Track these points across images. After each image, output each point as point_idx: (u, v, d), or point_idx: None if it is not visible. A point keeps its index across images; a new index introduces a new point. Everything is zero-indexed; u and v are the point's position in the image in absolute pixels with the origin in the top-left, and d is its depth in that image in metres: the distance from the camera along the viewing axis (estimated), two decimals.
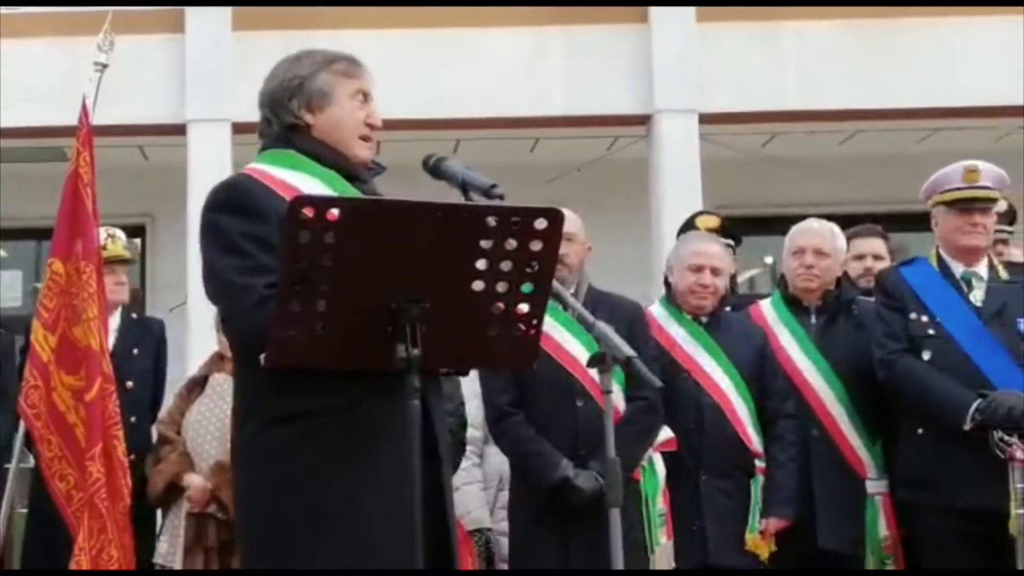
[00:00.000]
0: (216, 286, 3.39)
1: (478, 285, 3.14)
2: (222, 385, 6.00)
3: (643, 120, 9.84)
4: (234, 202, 3.38)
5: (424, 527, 3.24)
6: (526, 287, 3.17)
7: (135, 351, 6.35)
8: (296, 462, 3.27)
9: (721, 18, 9.71)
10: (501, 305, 3.18)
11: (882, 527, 5.32)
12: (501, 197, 3.35)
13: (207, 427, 5.92)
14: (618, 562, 3.42)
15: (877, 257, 6.13)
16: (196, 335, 8.39)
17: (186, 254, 9.02)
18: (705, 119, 9.70)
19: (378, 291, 3.08)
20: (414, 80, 9.55)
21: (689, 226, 6.25)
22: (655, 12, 9.76)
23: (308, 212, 3.00)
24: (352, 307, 3.09)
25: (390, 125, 10.03)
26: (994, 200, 5.27)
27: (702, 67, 9.67)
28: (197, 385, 6.09)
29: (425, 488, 3.28)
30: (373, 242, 3.05)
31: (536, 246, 3.13)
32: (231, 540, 5.81)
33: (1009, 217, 5.81)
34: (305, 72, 3.55)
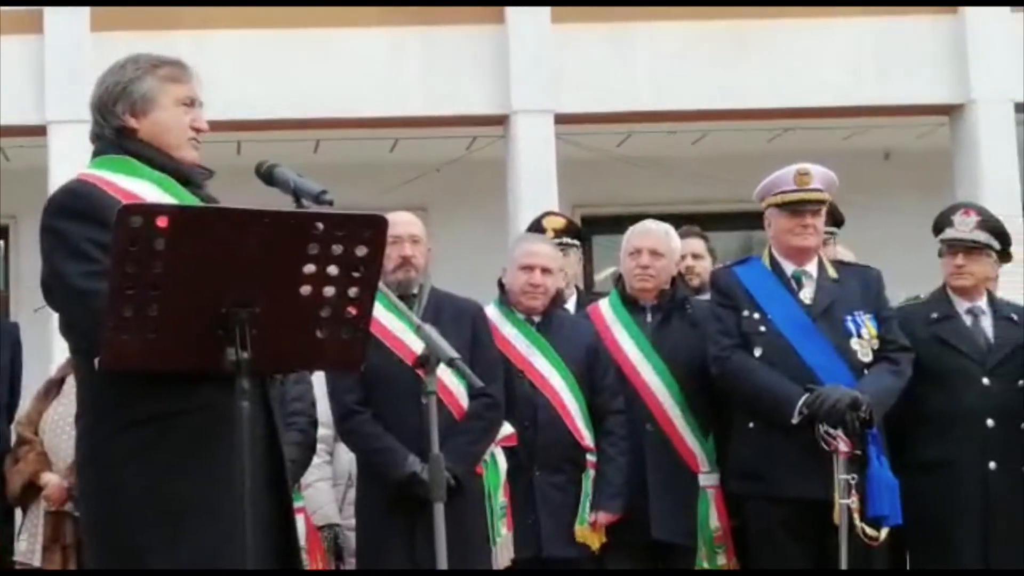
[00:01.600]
0: (62, 292, 3.44)
1: (306, 289, 3.23)
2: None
3: (500, 120, 9.94)
4: (78, 208, 3.43)
5: (270, 524, 3.40)
6: (353, 291, 3.27)
7: None
8: (151, 464, 3.35)
9: (576, 19, 9.84)
10: (328, 308, 3.27)
11: (713, 518, 5.47)
12: (330, 203, 3.42)
13: (64, 427, 5.88)
14: (442, 555, 3.56)
15: (696, 256, 6.32)
16: (59, 336, 8.32)
17: None
18: (561, 119, 9.82)
19: (208, 296, 3.17)
20: (274, 80, 9.57)
21: (537, 226, 6.38)
22: (511, 13, 9.86)
23: (137, 220, 3.07)
24: (183, 312, 3.17)
25: (249, 125, 10.04)
26: (824, 202, 5.46)
27: (558, 68, 9.80)
28: (54, 386, 6.12)
29: (269, 485, 3.43)
30: (202, 248, 3.14)
31: (362, 251, 3.24)
32: None
33: (835, 218, 6.01)
34: (129, 77, 3.61)
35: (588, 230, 9.94)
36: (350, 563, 5.59)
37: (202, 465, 3.34)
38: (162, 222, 3.09)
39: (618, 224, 9.85)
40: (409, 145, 10.55)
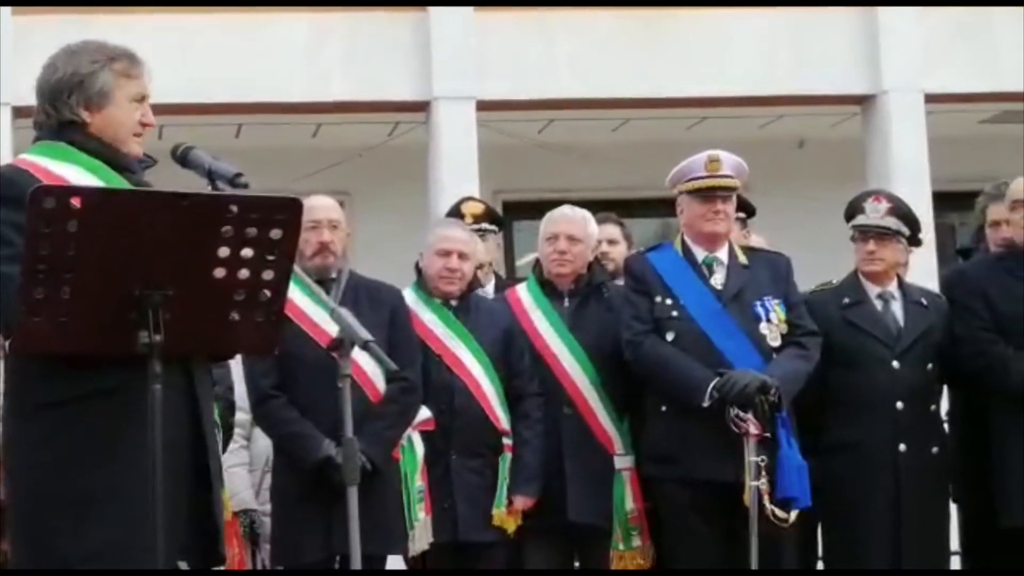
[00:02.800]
0: None
1: (220, 272, 3.24)
2: None
3: (422, 107, 9.97)
4: (2, 193, 3.39)
5: (190, 508, 3.41)
6: (267, 274, 3.28)
7: None
8: (64, 447, 3.34)
9: (497, 6, 9.89)
10: (243, 292, 3.28)
11: (628, 500, 5.51)
12: (245, 186, 3.43)
13: None
14: (355, 540, 3.56)
15: (612, 242, 6.36)
16: None
17: None
18: (482, 106, 9.86)
19: (121, 279, 3.17)
20: (196, 64, 9.52)
21: (455, 212, 6.42)
22: None
23: (50, 201, 3.07)
24: (96, 294, 3.17)
25: (171, 110, 9.98)
26: (734, 188, 5.53)
27: (479, 55, 9.84)
28: None
29: (193, 469, 3.44)
30: (115, 230, 3.14)
31: (276, 234, 3.24)
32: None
33: (745, 207, 6.10)
34: (86, 70, 3.56)
35: (509, 216, 10.02)
36: (266, 549, 5.58)
37: (113, 449, 3.33)
38: (76, 203, 3.08)
39: (539, 210, 9.90)
40: (331, 131, 10.57)
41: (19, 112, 9.01)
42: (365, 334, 3.50)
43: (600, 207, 10.31)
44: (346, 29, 9.89)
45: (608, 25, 9.94)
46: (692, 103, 10.19)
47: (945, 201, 10.16)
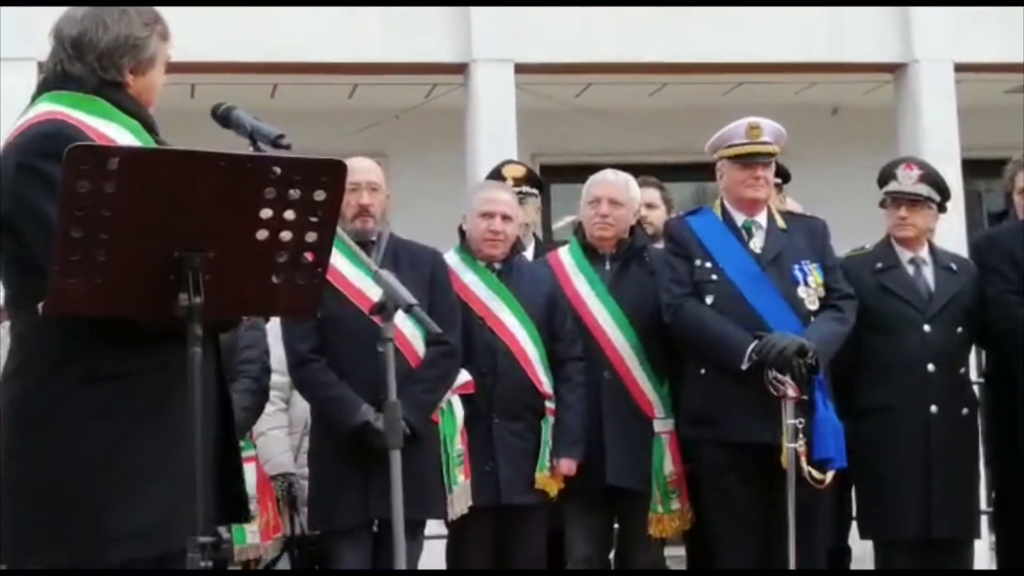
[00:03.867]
0: (39, 229, 3.26)
1: (262, 234, 3.18)
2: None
3: (460, 69, 9.90)
4: (60, 150, 3.17)
5: (219, 477, 3.37)
6: (310, 236, 3.23)
7: None
8: (113, 422, 3.28)
9: None
10: (285, 254, 3.23)
11: (668, 464, 5.54)
12: (288, 147, 3.38)
13: None
14: (399, 503, 3.55)
15: (651, 206, 6.34)
16: None
17: None
18: (520, 69, 9.81)
19: (160, 240, 3.10)
20: (231, 23, 9.47)
21: (496, 175, 6.40)
22: None
23: (87, 161, 3.00)
24: (133, 256, 3.10)
25: (206, 68, 9.92)
26: (774, 154, 5.55)
27: (518, 18, 9.80)
28: None
29: (218, 438, 3.41)
30: (155, 191, 3.07)
31: (320, 196, 3.19)
32: None
33: (782, 172, 6.10)
34: (141, 34, 3.53)
35: (546, 179, 9.99)
36: (304, 512, 5.61)
37: (161, 425, 3.29)
38: (113, 164, 3.02)
39: (576, 173, 9.91)
40: (368, 91, 10.50)
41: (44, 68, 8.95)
42: (409, 297, 3.48)
43: (636, 171, 10.21)
44: None
45: None
46: (728, 69, 10.12)
47: (972, 168, 10.15)
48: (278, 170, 3.16)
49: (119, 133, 3.43)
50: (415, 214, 9.38)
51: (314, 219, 3.23)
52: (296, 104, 10.35)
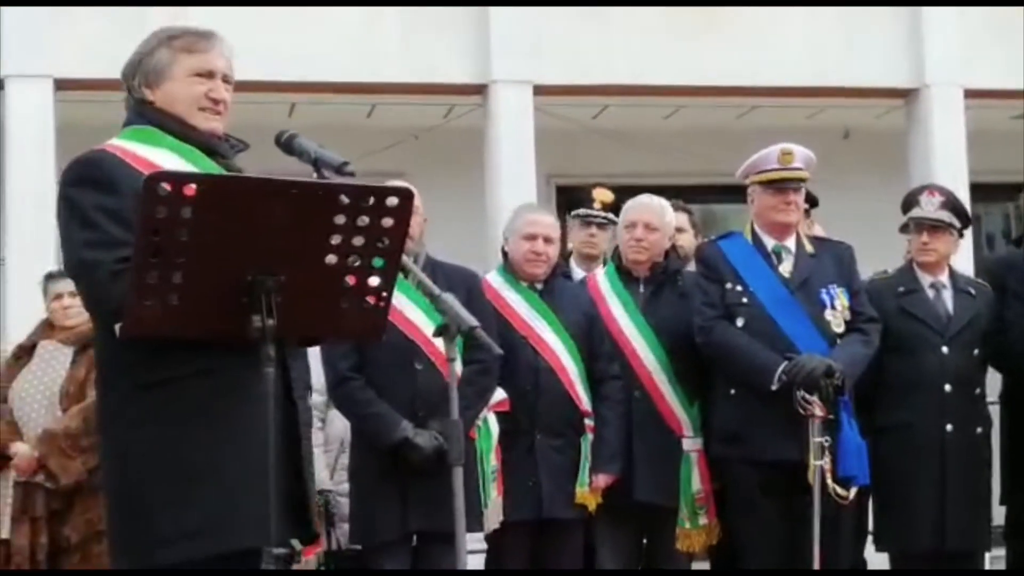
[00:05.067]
0: (69, 261, 3.49)
1: (331, 259, 3.28)
2: (51, 352, 5.96)
3: (479, 90, 10.00)
4: (89, 176, 3.46)
5: (283, 488, 3.39)
6: (377, 261, 3.33)
7: None
8: (164, 426, 3.38)
9: None
10: (353, 278, 3.33)
11: (696, 481, 5.68)
12: (352, 174, 3.49)
13: (34, 395, 5.86)
14: (461, 518, 3.67)
15: (680, 230, 6.46)
16: (14, 297, 8.33)
17: (3, 212, 8.88)
18: (539, 90, 9.93)
19: (234, 264, 3.20)
20: (250, 42, 9.49)
21: (587, 196, 6.47)
22: None
23: (166, 187, 3.11)
24: (208, 279, 3.20)
25: None
26: (804, 180, 5.70)
27: (536, 40, 9.90)
28: (25, 353, 6.00)
29: (284, 450, 3.45)
30: (229, 217, 3.17)
31: (387, 223, 3.29)
32: (61, 509, 5.82)
33: (810, 198, 6.23)
34: (146, 49, 3.68)
35: (562, 199, 10.12)
36: (342, 528, 5.70)
37: (212, 429, 3.37)
38: (189, 191, 3.12)
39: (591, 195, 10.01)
40: (386, 111, 10.57)
41: (61, 85, 8.93)
42: (471, 320, 3.57)
43: (651, 192, 10.45)
44: (404, 10, 9.91)
45: (663, 13, 9.99)
46: (742, 92, 10.25)
47: (974, 191, 10.31)
48: (346, 198, 3.26)
49: (164, 157, 3.54)
50: (434, 233, 9.44)
51: (381, 245, 3.33)
52: (315, 122, 10.42)
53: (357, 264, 3.34)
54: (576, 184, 10.97)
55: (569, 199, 10.53)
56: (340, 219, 3.28)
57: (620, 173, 11.07)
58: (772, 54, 10.04)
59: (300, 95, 10.15)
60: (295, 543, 3.36)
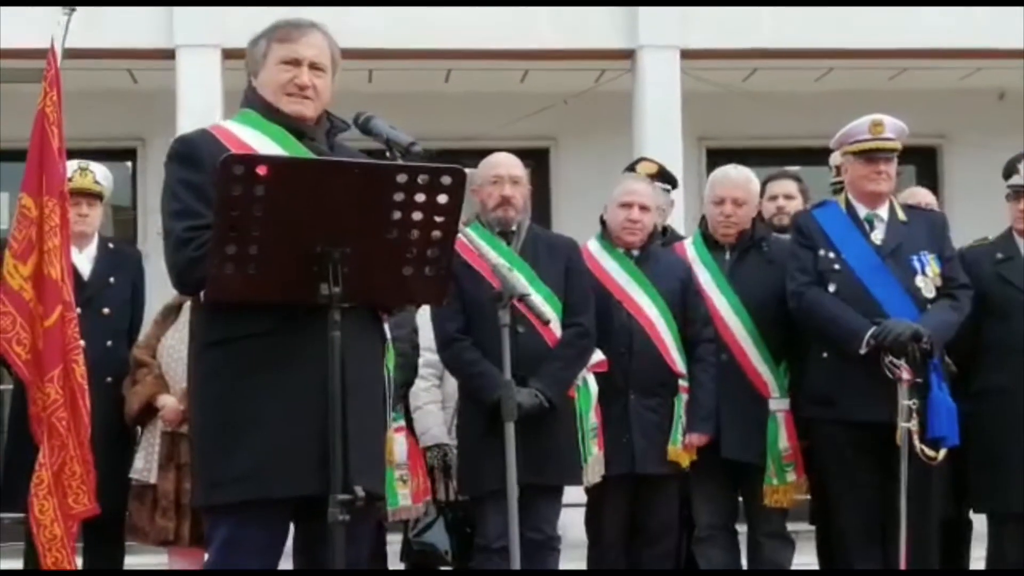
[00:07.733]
0: (162, 227, 3.93)
1: (393, 233, 3.62)
2: None
3: (627, 55, 10.12)
4: (179, 153, 3.89)
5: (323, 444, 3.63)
6: (435, 234, 3.66)
7: (111, 279, 6.45)
8: (221, 381, 3.76)
9: None
10: (414, 249, 3.66)
11: (782, 439, 5.86)
12: (419, 154, 3.79)
13: (181, 351, 6.01)
14: (512, 470, 3.98)
15: (788, 197, 6.68)
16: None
17: None
18: (686, 55, 10.03)
19: (304, 237, 3.55)
20: (406, 13, 9.78)
21: (631, 170, 6.70)
22: None
23: (239, 168, 3.48)
24: (281, 250, 3.56)
25: (381, 55, 10.21)
26: (896, 150, 5.79)
27: (684, 5, 10.01)
28: (172, 312, 6.28)
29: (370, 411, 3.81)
30: (298, 195, 3.53)
31: (442, 199, 3.62)
32: None
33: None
34: (255, 40, 4.07)
35: (712, 162, 10.22)
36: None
37: (262, 385, 3.70)
38: (262, 171, 3.48)
39: (741, 157, 10.12)
40: (539, 76, 10.76)
41: (228, 54, 9.35)
42: (523, 287, 3.86)
43: (801, 155, 10.53)
44: None
45: None
46: (893, 54, 10.19)
47: None
48: (403, 178, 3.59)
49: (260, 140, 3.91)
50: (582, 197, 9.67)
51: (439, 219, 3.65)
52: (470, 88, 10.72)
53: (417, 236, 3.65)
54: (727, 147, 11.12)
55: (717, 162, 10.69)
56: (399, 196, 3.60)
57: (772, 135, 11.19)
58: (923, 15, 9.94)
59: (455, 61, 10.38)
60: (358, 490, 3.61)
